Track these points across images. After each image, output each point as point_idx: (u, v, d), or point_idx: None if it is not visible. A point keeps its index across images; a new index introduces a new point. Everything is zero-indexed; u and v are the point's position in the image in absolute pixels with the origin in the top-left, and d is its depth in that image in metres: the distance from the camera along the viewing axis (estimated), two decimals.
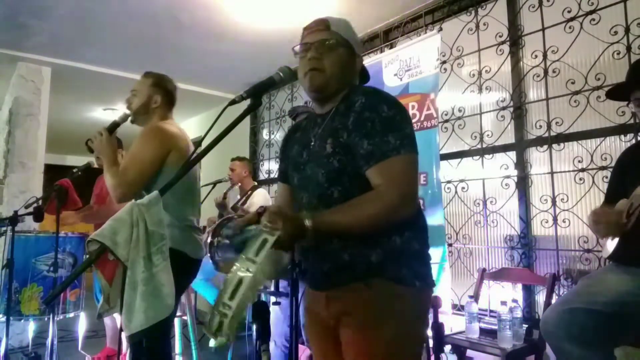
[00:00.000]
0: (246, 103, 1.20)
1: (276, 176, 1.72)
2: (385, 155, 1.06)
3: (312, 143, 1.22)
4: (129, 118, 2.01)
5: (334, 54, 1.20)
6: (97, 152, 1.94)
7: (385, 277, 1.09)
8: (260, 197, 3.62)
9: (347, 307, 1.13)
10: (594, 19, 2.36)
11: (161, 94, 2.02)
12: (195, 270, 1.93)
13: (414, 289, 1.11)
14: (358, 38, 1.29)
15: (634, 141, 2.15)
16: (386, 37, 3.51)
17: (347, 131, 1.13)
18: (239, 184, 3.87)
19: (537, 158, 2.57)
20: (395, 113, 1.10)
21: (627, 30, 2.23)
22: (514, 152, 2.66)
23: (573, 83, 2.41)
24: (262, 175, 4.94)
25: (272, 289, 1.77)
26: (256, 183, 4.01)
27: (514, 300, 2.19)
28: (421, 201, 2.60)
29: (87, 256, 1.28)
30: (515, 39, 2.71)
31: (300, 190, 1.25)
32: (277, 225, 0.99)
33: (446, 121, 3.00)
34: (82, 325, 3.18)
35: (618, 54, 2.25)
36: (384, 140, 1.07)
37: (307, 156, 1.23)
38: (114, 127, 1.95)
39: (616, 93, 1.83)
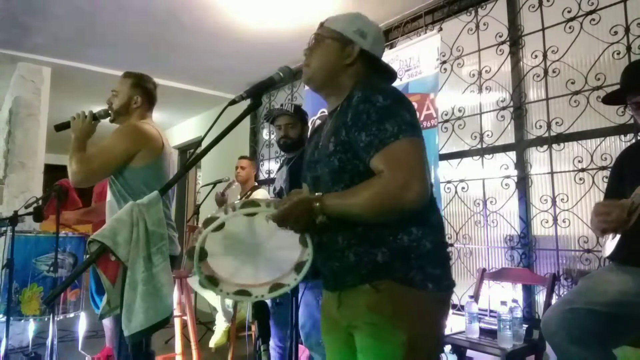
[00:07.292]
0: (246, 103, 1.20)
1: (276, 176, 1.72)
2: (384, 143, 1.05)
3: (321, 142, 1.23)
4: (109, 117, 2.06)
5: (319, 48, 1.24)
6: (72, 129, 1.95)
7: (393, 279, 1.06)
8: (260, 198, 3.61)
9: (356, 311, 1.10)
10: (594, 19, 2.36)
11: (141, 94, 2.07)
12: (172, 266, 1.95)
13: (425, 292, 1.06)
14: (367, 28, 1.27)
15: (634, 141, 2.15)
16: (386, 37, 3.51)
17: (346, 128, 1.12)
18: (241, 183, 3.85)
19: (537, 158, 2.57)
20: (391, 102, 1.09)
21: (627, 30, 2.23)
22: (514, 152, 2.65)
23: (573, 83, 2.41)
24: (262, 175, 4.94)
25: None
26: (257, 183, 4.00)
27: (514, 300, 2.19)
28: None
29: (88, 256, 1.29)
30: (515, 39, 2.70)
31: (313, 190, 1.25)
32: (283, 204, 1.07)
33: (446, 121, 3.00)
34: (82, 325, 3.18)
35: (618, 54, 2.25)
36: (381, 129, 1.06)
37: (317, 156, 1.23)
38: (94, 118, 1.99)
39: (612, 98, 1.83)
